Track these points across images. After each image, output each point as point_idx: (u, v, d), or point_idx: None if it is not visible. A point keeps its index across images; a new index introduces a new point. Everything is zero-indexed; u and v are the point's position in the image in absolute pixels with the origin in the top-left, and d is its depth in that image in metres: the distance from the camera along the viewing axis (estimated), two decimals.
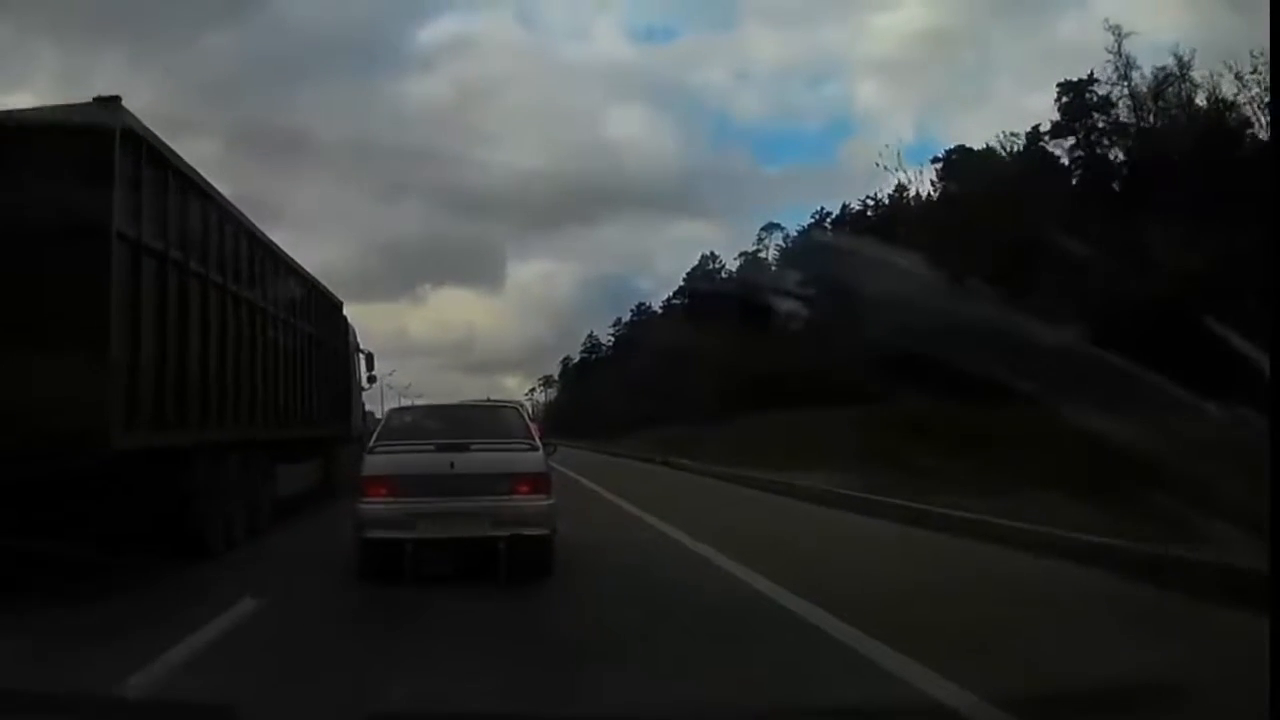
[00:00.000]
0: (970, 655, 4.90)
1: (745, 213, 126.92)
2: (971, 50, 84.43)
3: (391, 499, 7.91)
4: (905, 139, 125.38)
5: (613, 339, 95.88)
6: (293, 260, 15.01)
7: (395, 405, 17.73)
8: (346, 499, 9.42)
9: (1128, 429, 7.01)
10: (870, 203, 59.39)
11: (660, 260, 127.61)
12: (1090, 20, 69.90)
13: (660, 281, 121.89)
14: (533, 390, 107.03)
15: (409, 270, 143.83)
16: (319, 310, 16.53)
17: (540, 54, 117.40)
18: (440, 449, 8.19)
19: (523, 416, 9.58)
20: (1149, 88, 31.10)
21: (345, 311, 18.98)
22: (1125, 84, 32.02)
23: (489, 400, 13.67)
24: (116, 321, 7.46)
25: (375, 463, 8.23)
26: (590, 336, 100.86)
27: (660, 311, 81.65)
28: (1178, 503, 6.77)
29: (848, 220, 63.56)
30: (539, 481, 8.15)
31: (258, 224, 12.07)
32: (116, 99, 7.63)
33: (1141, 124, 31.54)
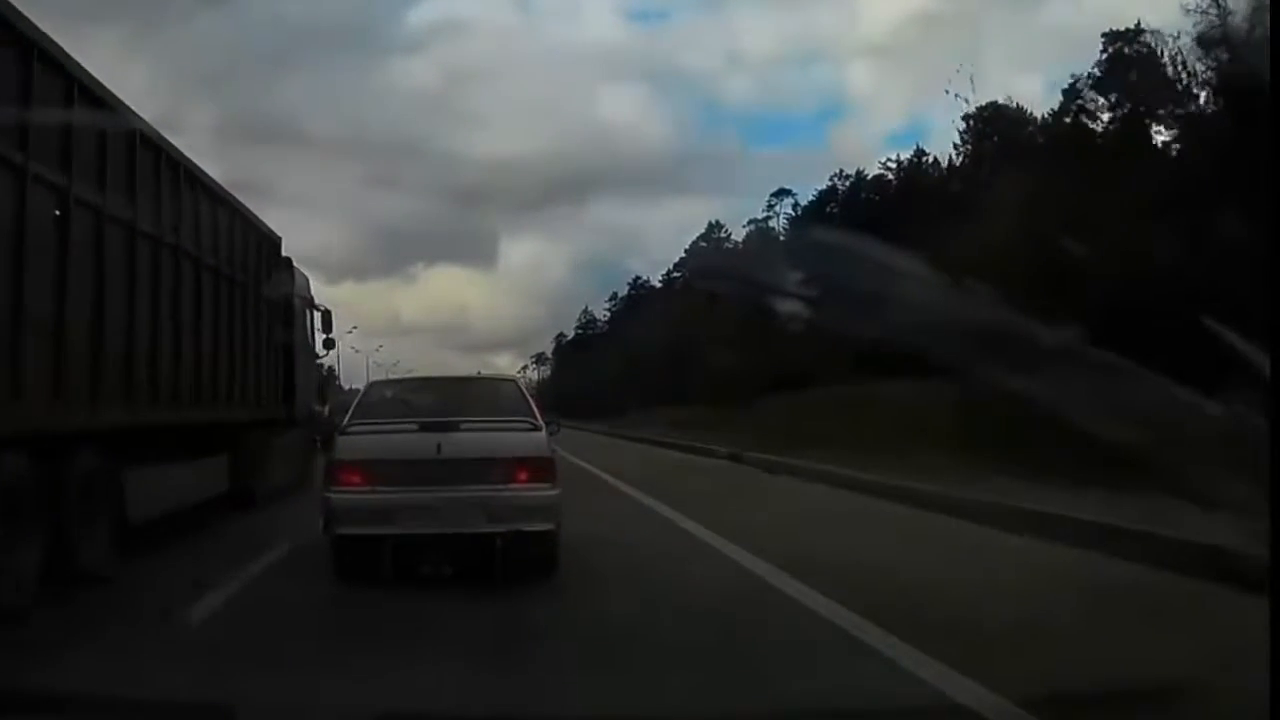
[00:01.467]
0: None
1: (736, 193, 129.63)
2: (964, 33, 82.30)
3: (367, 488, 7.10)
4: (895, 125, 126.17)
5: (609, 314, 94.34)
6: (204, 174, 10.45)
7: (374, 380, 12.89)
8: (278, 506, 8.73)
9: None
10: (894, 165, 56.04)
11: (651, 241, 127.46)
12: (1083, 4, 67.01)
13: (651, 262, 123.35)
14: (525, 368, 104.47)
15: (401, 249, 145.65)
16: (244, 246, 12.00)
17: (532, 35, 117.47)
18: (425, 428, 7.35)
19: (522, 391, 8.56)
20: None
21: (315, 277, 14.29)
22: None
23: (482, 374, 11.40)
24: None
25: (348, 445, 7.40)
26: (585, 312, 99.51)
27: (660, 286, 79.26)
28: None
29: (863, 187, 59.94)
30: (542, 467, 7.25)
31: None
32: None
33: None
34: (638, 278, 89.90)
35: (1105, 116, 30.50)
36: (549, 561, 7.22)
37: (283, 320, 13.58)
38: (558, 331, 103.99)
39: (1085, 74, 32.55)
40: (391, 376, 15.43)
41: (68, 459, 6.80)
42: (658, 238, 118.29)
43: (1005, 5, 77.97)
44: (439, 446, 7.12)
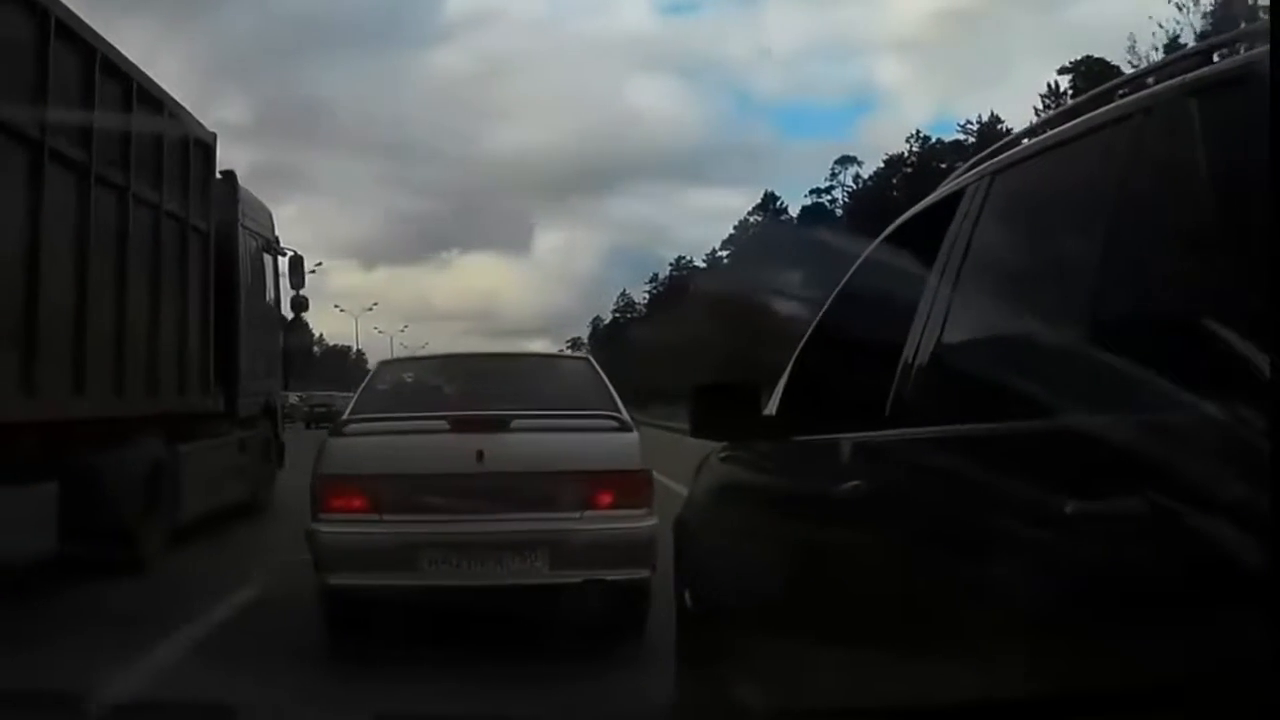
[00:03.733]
0: None
1: (766, 183, 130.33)
2: (991, 28, 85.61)
3: (373, 517, 5.05)
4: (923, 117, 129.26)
5: (648, 297, 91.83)
6: (90, 32, 6.65)
7: (385, 359, 8.01)
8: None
9: None
10: (973, 125, 52.24)
11: (683, 229, 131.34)
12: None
13: (683, 249, 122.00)
14: (560, 352, 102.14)
15: (435, 237, 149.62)
16: (166, 159, 7.80)
17: (564, 26, 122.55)
18: (459, 427, 5.25)
19: (599, 373, 6.06)
20: None
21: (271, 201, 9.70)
22: None
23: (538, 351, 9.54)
24: None
25: (344, 451, 5.30)
26: (623, 295, 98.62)
27: (703, 265, 75.70)
28: None
29: (935, 154, 55.50)
30: (635, 485, 5.23)
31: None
32: None
33: None
34: (680, 258, 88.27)
35: None
36: (636, 621, 5.25)
37: (214, 262, 8.91)
38: (590, 318, 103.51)
39: None
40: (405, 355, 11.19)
41: None
42: (689, 224, 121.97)
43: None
44: (480, 454, 5.14)
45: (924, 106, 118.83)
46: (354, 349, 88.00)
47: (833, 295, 3.31)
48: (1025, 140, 2.46)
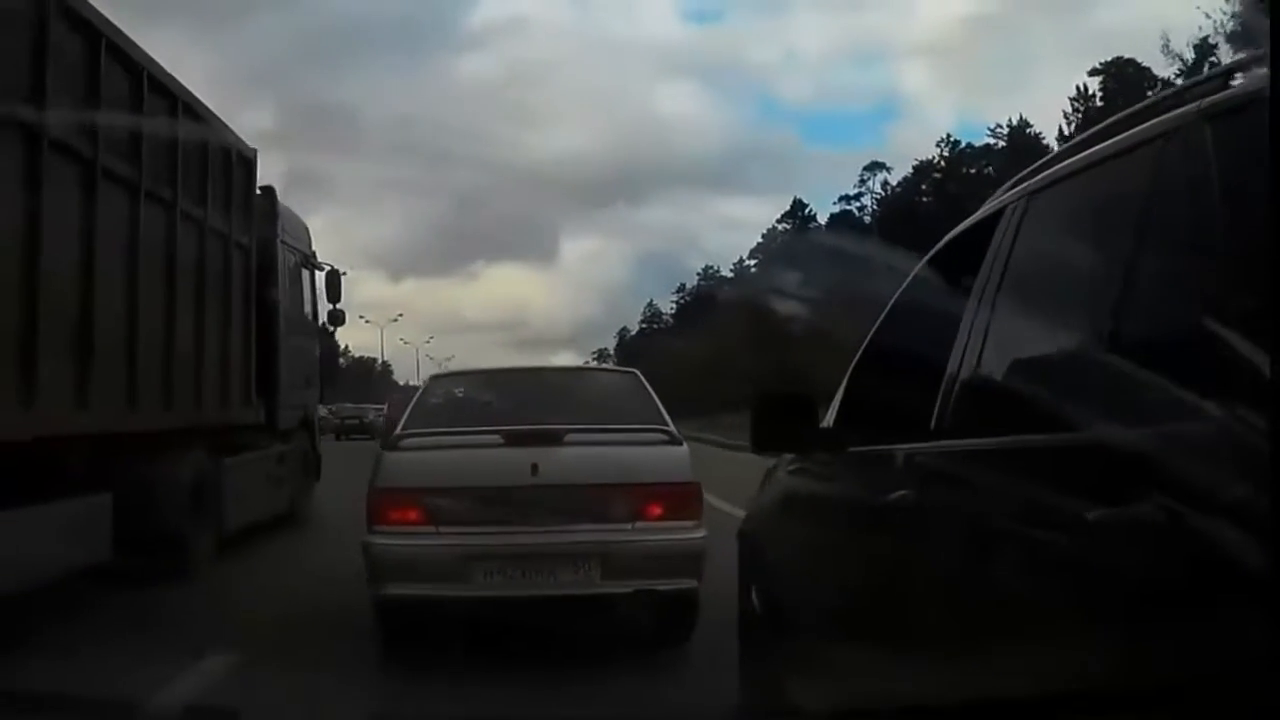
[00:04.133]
0: None
1: (794, 191, 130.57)
2: (1016, 33, 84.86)
3: (428, 529, 5.20)
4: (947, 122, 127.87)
5: (675, 307, 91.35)
6: (134, 47, 6.78)
7: (436, 373, 8.19)
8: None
9: None
10: (1004, 129, 51.92)
11: (709, 239, 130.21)
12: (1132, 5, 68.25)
13: (710, 258, 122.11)
14: (586, 364, 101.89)
15: (462, 247, 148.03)
16: (197, 159, 7.82)
17: (591, 35, 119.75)
18: (512, 441, 5.40)
19: (646, 388, 6.19)
20: None
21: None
22: None
23: (587, 365, 8.89)
24: None
25: (400, 465, 5.43)
26: (650, 306, 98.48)
27: (731, 275, 75.62)
28: None
29: (964, 159, 55.12)
30: (685, 498, 5.40)
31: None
32: None
33: None
34: (708, 266, 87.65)
35: None
36: (684, 630, 5.42)
37: (255, 278, 9.06)
38: (617, 329, 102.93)
39: None
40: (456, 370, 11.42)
41: None
42: (716, 234, 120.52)
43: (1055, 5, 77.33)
44: (535, 468, 5.31)
45: (949, 112, 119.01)
46: (380, 360, 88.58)
47: (884, 312, 3.44)
48: (1063, 161, 2.52)
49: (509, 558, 5.21)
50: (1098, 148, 2.29)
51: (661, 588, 5.22)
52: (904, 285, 3.31)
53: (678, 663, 5.27)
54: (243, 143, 9.13)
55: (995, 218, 2.62)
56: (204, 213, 7.84)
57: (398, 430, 5.78)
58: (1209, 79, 2.02)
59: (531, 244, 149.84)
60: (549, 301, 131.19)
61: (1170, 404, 1.61)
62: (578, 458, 5.46)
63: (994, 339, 2.44)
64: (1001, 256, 2.49)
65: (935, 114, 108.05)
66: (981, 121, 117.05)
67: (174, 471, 7.02)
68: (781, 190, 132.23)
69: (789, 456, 3.92)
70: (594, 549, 5.24)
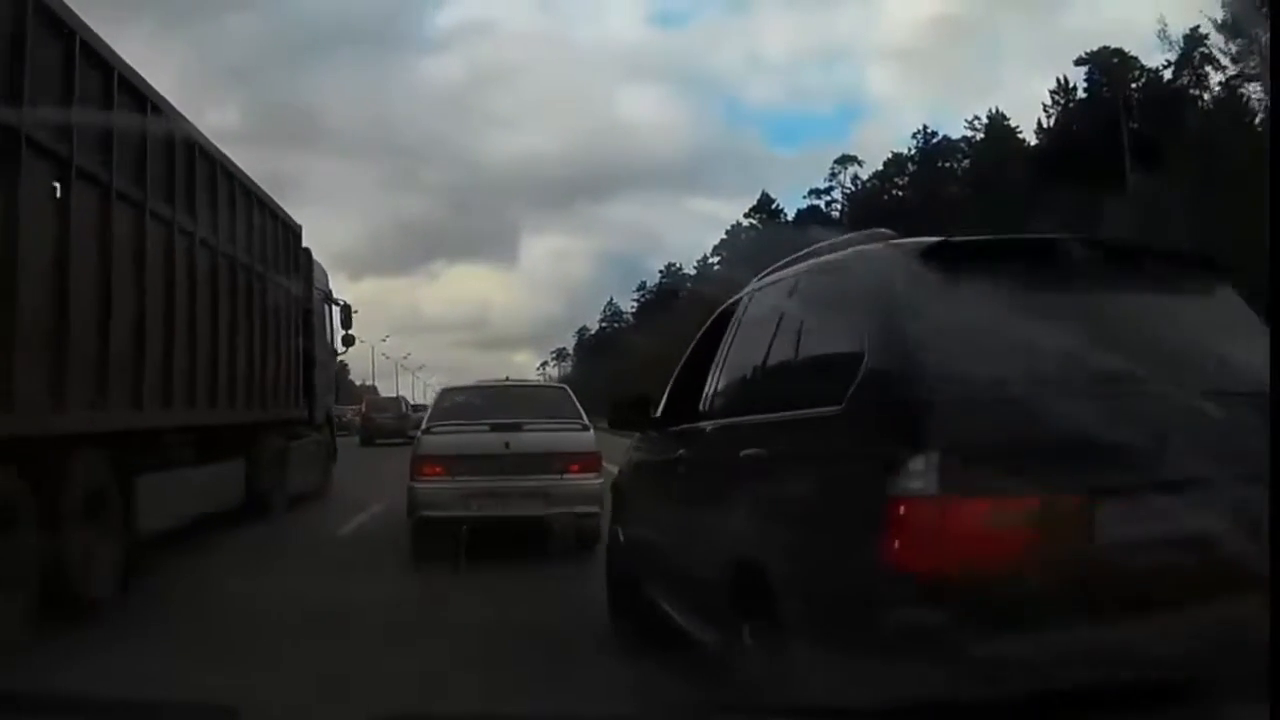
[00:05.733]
0: None
1: (754, 193, 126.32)
2: (984, 35, 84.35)
3: (447, 479, 8.44)
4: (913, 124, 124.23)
5: (636, 305, 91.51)
6: (222, 155, 9.64)
7: (446, 386, 11.80)
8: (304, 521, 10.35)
9: None
10: (981, 122, 50.94)
11: (670, 241, 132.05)
12: (1100, 8, 68.72)
13: (673, 258, 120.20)
14: (544, 364, 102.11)
15: (423, 247, 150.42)
16: (263, 234, 11.17)
17: (555, 37, 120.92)
18: (495, 429, 8.72)
19: (571, 397, 9.79)
20: None
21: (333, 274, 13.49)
22: None
23: (535, 381, 13.17)
24: None
25: (431, 442, 8.79)
26: (610, 304, 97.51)
27: (694, 272, 76.20)
28: None
29: (941, 152, 54.86)
30: (591, 461, 8.71)
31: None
32: None
33: None
34: (671, 264, 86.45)
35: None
36: (593, 537, 8.31)
37: (302, 315, 12.84)
38: (577, 328, 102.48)
39: None
40: (441, 384, 15.04)
41: (69, 467, 6.05)
42: (677, 235, 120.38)
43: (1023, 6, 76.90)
44: (507, 444, 8.50)
45: (918, 114, 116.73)
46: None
47: (691, 342, 5.29)
48: (773, 274, 4.39)
49: (491, 494, 8.33)
50: (788, 270, 4.14)
51: (579, 510, 8.41)
52: (703, 329, 5.15)
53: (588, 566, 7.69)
54: (292, 219, 12.82)
55: (739, 301, 4.67)
56: (277, 275, 11.56)
57: (426, 423, 9.22)
58: (870, 236, 3.80)
59: (493, 244, 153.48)
60: (509, 301, 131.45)
61: (796, 401, 3.41)
62: (532, 438, 8.63)
63: (729, 364, 4.41)
64: (737, 321, 4.52)
65: (905, 116, 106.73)
66: (954, 122, 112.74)
67: (272, 448, 10.88)
68: (747, 191, 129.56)
69: (639, 434, 6.07)
70: (540, 489, 8.40)
